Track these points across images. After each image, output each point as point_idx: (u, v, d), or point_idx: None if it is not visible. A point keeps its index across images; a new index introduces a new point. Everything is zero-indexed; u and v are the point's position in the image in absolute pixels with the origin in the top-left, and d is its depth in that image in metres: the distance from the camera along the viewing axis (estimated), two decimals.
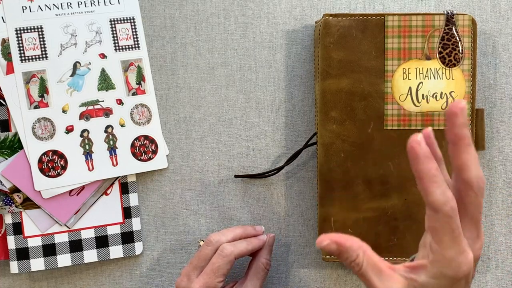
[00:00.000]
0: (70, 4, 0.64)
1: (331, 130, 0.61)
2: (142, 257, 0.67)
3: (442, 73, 0.61)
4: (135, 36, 0.66)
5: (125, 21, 0.65)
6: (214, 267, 0.58)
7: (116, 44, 0.65)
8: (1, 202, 0.64)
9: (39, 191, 0.64)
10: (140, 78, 0.66)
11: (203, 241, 0.62)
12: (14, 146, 0.64)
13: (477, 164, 0.42)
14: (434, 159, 0.41)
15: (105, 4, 0.65)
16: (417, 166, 0.41)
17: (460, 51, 0.60)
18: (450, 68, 0.61)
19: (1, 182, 0.63)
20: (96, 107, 0.65)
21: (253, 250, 0.61)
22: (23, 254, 0.64)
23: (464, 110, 0.41)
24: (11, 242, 0.64)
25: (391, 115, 0.61)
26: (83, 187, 0.65)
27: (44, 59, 0.64)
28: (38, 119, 0.64)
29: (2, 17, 0.63)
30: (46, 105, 0.64)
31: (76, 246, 0.65)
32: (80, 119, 0.64)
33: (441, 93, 0.61)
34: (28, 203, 0.64)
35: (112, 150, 0.65)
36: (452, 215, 0.41)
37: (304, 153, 0.66)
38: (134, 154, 0.65)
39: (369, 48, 0.61)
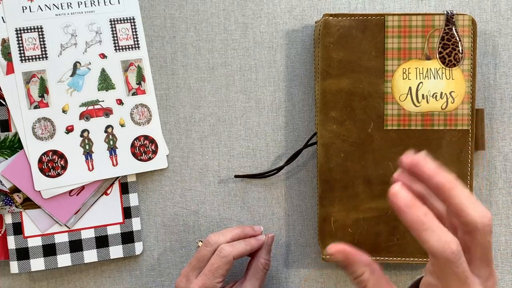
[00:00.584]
0: (70, 4, 0.64)
1: (331, 130, 0.61)
2: (142, 257, 0.67)
3: (442, 73, 0.61)
4: (135, 36, 0.66)
5: (125, 21, 0.65)
6: (213, 268, 0.58)
7: (116, 44, 0.65)
8: (1, 202, 0.64)
9: (39, 191, 0.64)
10: (140, 78, 0.66)
11: (202, 241, 0.62)
12: (14, 146, 0.64)
13: (474, 202, 0.37)
14: (420, 203, 0.38)
15: (105, 4, 0.65)
16: (403, 217, 0.38)
17: (460, 51, 0.60)
18: (450, 68, 0.61)
19: (1, 182, 0.63)
20: (96, 107, 0.65)
21: (252, 250, 0.61)
22: (23, 254, 0.64)
23: (420, 158, 0.38)
24: (11, 242, 0.64)
25: (391, 115, 0.61)
26: (83, 187, 0.65)
27: (44, 59, 0.64)
28: (38, 119, 0.64)
29: (2, 17, 0.63)
30: (46, 105, 0.64)
31: (76, 246, 0.65)
32: (80, 119, 0.64)
33: (441, 93, 0.61)
34: (28, 203, 0.64)
35: (112, 150, 0.65)
36: (453, 259, 0.37)
37: (304, 153, 0.66)
38: (134, 154, 0.65)
39: (369, 48, 0.61)
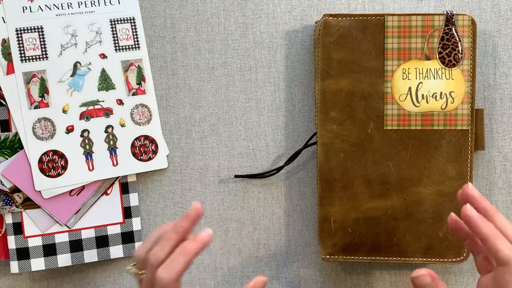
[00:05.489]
0: (70, 4, 0.64)
1: (331, 130, 0.61)
2: None
3: (442, 73, 0.61)
4: (135, 36, 0.66)
5: (125, 21, 0.65)
6: None
7: (116, 44, 0.65)
8: (2, 202, 0.64)
9: (39, 191, 0.64)
10: (140, 78, 0.66)
11: (135, 265, 0.53)
12: (15, 146, 0.64)
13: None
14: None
15: (105, 4, 0.65)
16: (479, 230, 0.47)
17: (460, 51, 0.61)
18: (450, 68, 0.61)
19: (1, 182, 0.63)
20: (96, 107, 0.65)
21: (196, 256, 0.50)
22: (23, 254, 0.64)
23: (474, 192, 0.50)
24: (12, 242, 0.64)
25: (391, 115, 0.61)
26: (83, 187, 0.65)
27: (45, 59, 0.64)
28: (38, 119, 0.64)
29: (2, 17, 0.63)
30: (47, 105, 0.64)
31: (76, 246, 0.65)
32: (80, 119, 0.65)
33: (441, 93, 0.61)
34: (29, 203, 0.64)
35: (112, 150, 0.65)
36: None
37: (304, 153, 0.66)
38: (134, 154, 0.65)
39: (369, 48, 0.61)
